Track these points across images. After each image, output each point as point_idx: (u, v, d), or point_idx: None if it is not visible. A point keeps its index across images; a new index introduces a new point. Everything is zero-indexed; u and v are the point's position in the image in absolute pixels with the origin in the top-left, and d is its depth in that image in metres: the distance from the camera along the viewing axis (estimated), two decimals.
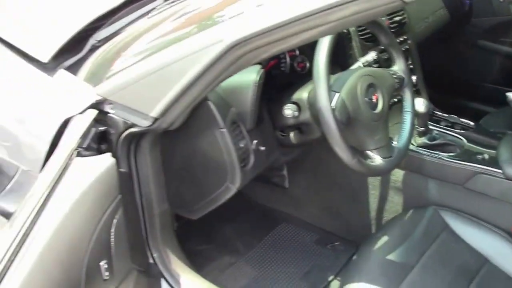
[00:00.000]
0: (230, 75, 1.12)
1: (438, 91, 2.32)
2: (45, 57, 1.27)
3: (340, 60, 1.70)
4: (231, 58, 1.05)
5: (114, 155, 1.20)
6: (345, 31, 1.78)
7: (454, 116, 1.93)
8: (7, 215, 1.17)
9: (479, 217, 1.72)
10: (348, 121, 1.35)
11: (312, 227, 2.15)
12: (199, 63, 1.07)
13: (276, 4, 1.02)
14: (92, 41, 1.33)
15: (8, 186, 1.24)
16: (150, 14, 1.36)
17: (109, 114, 1.20)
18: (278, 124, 1.58)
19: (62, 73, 1.29)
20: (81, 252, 1.11)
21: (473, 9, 2.61)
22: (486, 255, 1.61)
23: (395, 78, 1.55)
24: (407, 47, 2.06)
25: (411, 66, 2.06)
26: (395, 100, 1.85)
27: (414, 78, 2.04)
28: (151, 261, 1.33)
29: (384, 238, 1.61)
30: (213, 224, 2.10)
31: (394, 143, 1.53)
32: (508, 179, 1.66)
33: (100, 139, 1.20)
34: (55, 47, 1.27)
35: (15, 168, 1.23)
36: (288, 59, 1.67)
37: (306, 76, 1.57)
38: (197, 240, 2.04)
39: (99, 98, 1.20)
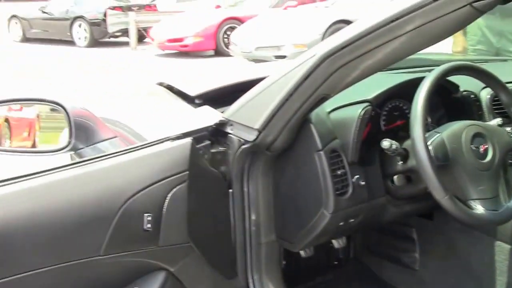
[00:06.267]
0: (327, 94, 1.30)
1: None
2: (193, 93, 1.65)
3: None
4: (324, 72, 1.23)
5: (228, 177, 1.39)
6: (472, 96, 1.75)
7: None
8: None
9: None
10: (444, 160, 1.40)
11: None
12: (296, 77, 1.27)
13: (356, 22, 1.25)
14: None
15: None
16: None
17: (228, 135, 1.40)
18: (387, 172, 1.57)
19: (206, 108, 1.58)
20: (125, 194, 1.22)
21: None
22: None
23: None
24: None
25: None
26: None
27: None
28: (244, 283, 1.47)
29: None
30: None
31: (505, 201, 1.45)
32: None
33: (220, 161, 1.40)
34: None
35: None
36: None
37: None
38: None
39: (222, 119, 1.41)
